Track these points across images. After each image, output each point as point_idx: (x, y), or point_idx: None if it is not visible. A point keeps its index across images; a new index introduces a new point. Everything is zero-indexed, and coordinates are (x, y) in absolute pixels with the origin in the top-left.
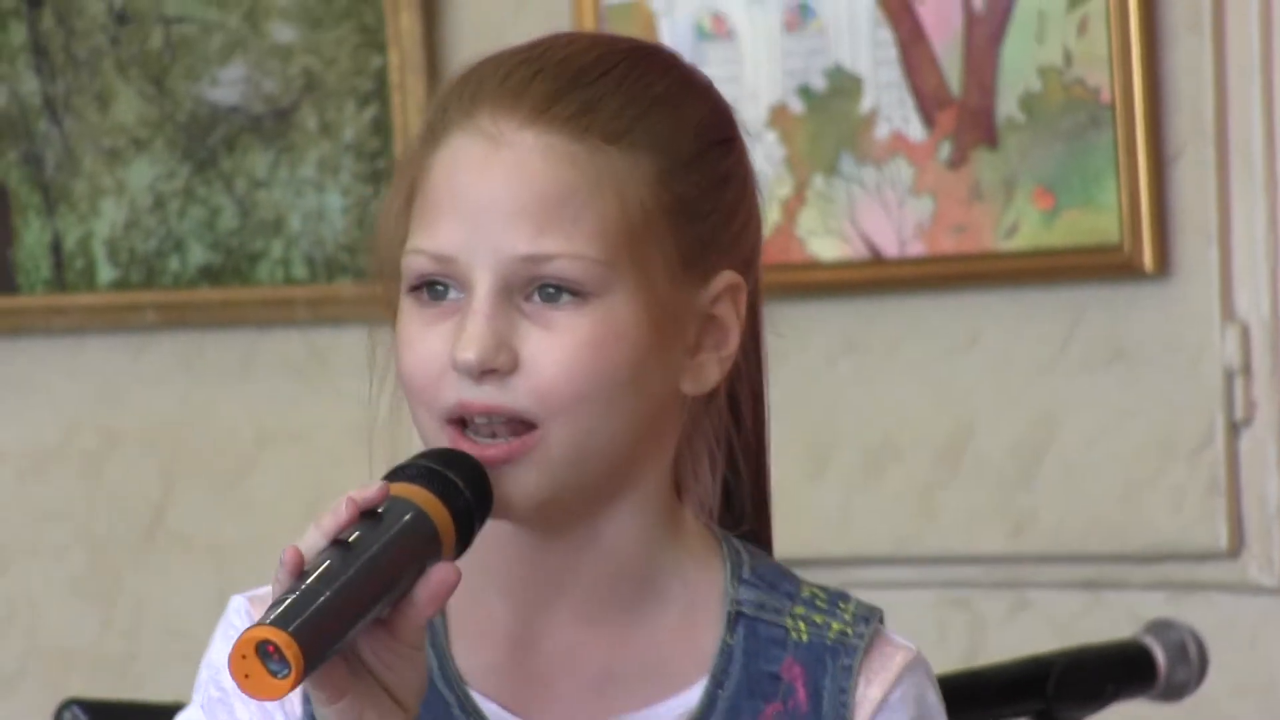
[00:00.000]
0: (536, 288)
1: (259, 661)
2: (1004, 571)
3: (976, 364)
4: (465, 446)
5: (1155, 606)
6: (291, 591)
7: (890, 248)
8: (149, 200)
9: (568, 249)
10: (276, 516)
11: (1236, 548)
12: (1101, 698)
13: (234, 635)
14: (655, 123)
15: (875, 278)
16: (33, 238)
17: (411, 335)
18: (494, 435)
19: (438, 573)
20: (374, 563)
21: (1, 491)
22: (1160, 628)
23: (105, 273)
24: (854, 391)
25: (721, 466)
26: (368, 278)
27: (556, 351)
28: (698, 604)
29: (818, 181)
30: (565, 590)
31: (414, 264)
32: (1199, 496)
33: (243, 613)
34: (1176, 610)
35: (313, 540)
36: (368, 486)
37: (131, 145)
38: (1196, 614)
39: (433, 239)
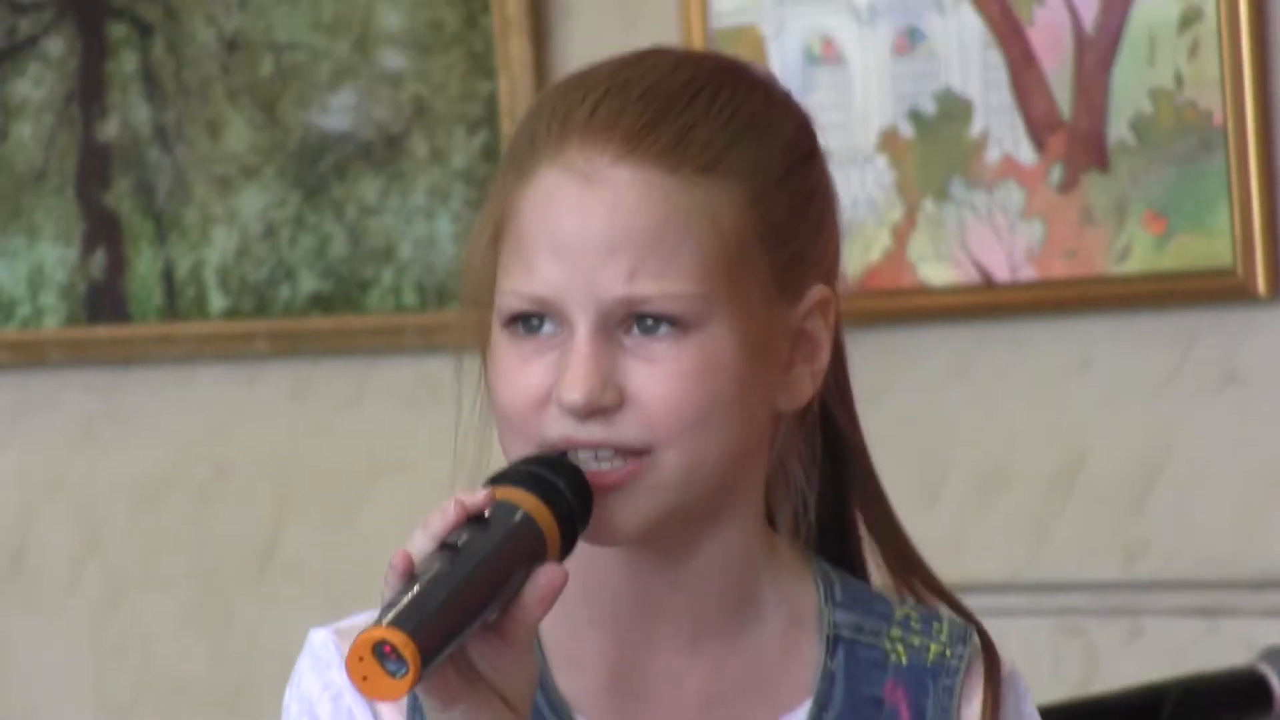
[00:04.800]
0: (636, 320)
1: (376, 663)
2: (1118, 599)
3: (1088, 389)
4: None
5: (1271, 633)
6: (403, 594)
7: (1001, 272)
8: (260, 228)
9: (665, 288)
10: (388, 547)
11: None
12: None
13: (323, 669)
14: (746, 148)
15: (986, 303)
16: (144, 266)
17: (508, 369)
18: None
19: (545, 574)
20: (483, 565)
21: (113, 523)
22: (1276, 655)
23: (216, 301)
24: (965, 417)
25: (814, 484)
26: (458, 305)
27: (661, 384)
28: (795, 625)
29: (928, 206)
30: (667, 613)
31: (510, 304)
32: None
33: (330, 646)
34: None
35: (420, 544)
36: (474, 491)
37: (242, 173)
38: None
39: (530, 281)
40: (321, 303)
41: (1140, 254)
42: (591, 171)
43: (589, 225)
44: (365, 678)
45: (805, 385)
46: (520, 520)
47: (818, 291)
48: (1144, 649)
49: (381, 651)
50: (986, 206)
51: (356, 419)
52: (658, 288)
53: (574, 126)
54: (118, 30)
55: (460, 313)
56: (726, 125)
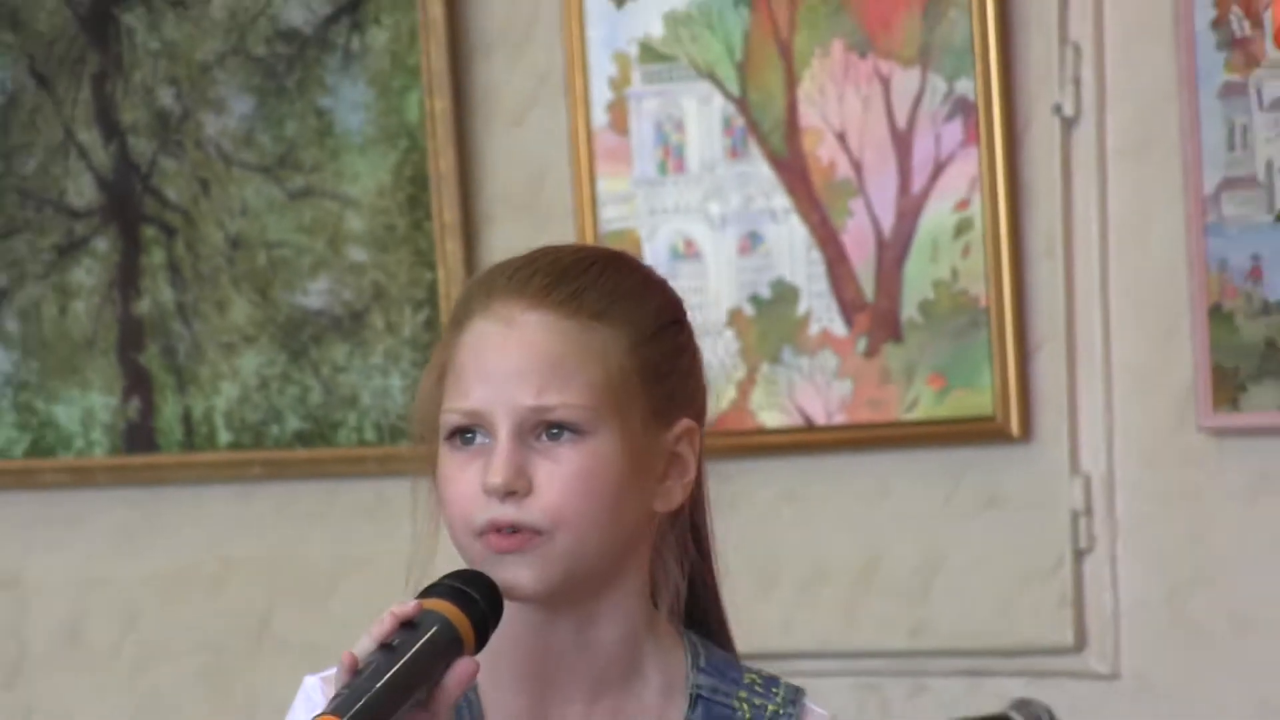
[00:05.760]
0: (544, 429)
1: None
2: (906, 664)
3: (886, 508)
4: (492, 540)
5: (1019, 689)
6: (348, 686)
7: (820, 418)
8: (256, 381)
9: (564, 400)
10: (355, 624)
11: (1080, 645)
12: None
13: (312, 707)
14: (627, 307)
15: (809, 441)
16: (169, 410)
17: (451, 473)
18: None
19: (461, 665)
20: (412, 661)
21: (146, 607)
22: (1022, 704)
23: (224, 437)
24: (792, 530)
25: (685, 573)
26: (410, 440)
27: (560, 479)
28: (669, 684)
29: (764, 368)
30: (571, 670)
31: (450, 420)
32: (1053, 607)
33: (318, 690)
34: (1035, 692)
35: (365, 646)
36: (406, 604)
37: (243, 340)
38: (1050, 695)
39: (464, 399)
40: (302, 438)
41: (925, 405)
42: (510, 317)
43: (508, 355)
44: None
45: (677, 493)
46: (441, 625)
47: (685, 423)
48: (925, 702)
49: None
50: (809, 368)
51: (329, 528)
52: (560, 399)
53: (498, 288)
54: (149, 232)
55: (414, 447)
56: (612, 289)
